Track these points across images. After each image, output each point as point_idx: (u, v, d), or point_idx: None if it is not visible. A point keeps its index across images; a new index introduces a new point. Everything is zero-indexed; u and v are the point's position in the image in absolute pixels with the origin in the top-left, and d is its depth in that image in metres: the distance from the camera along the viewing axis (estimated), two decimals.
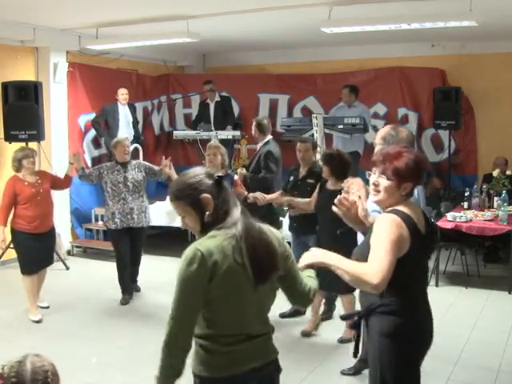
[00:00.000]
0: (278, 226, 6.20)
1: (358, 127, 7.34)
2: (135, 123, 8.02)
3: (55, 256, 6.35)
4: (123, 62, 8.41)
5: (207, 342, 1.94)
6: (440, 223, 5.89)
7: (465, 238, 6.08)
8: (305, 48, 8.46)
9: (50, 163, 7.00)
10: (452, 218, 5.96)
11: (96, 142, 7.98)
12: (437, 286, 5.95)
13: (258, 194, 5.04)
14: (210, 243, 1.90)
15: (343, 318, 4.27)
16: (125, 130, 7.72)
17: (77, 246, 7.67)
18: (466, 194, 6.66)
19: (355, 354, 2.52)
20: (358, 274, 2.09)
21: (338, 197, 2.51)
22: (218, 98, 8.50)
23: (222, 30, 7.12)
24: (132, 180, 5.56)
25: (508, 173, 6.99)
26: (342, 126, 7.37)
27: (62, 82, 7.29)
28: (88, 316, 5.27)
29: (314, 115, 7.23)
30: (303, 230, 4.90)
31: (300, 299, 2.20)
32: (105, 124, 7.80)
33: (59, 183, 5.44)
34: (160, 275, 6.10)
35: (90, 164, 7.75)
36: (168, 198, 2.12)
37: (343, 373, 3.99)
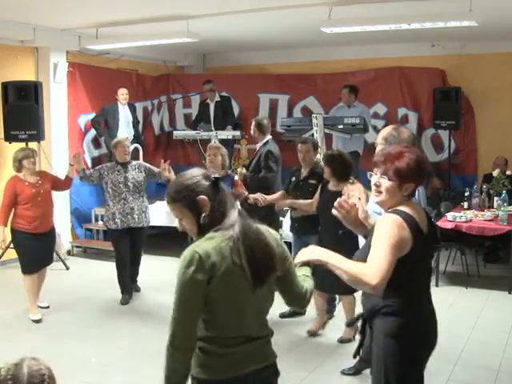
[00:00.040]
0: (278, 226, 6.21)
1: (358, 127, 7.34)
2: (135, 123, 8.03)
3: (55, 256, 6.36)
4: (123, 62, 8.41)
5: (205, 344, 1.93)
6: (440, 223, 5.89)
7: (465, 238, 6.09)
8: (305, 48, 8.46)
9: (50, 163, 7.00)
10: (452, 218, 5.96)
11: (96, 142, 7.98)
12: (437, 286, 5.95)
13: (259, 196, 5.04)
14: (207, 245, 1.90)
15: (349, 324, 4.32)
16: (125, 130, 7.73)
17: (77, 246, 7.68)
18: (466, 194, 6.66)
19: (356, 356, 2.51)
20: (356, 274, 2.08)
21: (338, 200, 2.50)
22: (217, 98, 8.50)
23: (222, 30, 7.12)
24: (133, 180, 5.57)
25: (508, 173, 6.99)
26: (342, 126, 7.37)
27: (61, 82, 7.29)
28: (88, 316, 5.27)
29: (314, 115, 7.22)
30: (305, 231, 4.89)
31: (297, 301, 2.19)
32: (105, 124, 7.80)
33: (60, 184, 5.45)
34: (160, 275, 6.10)
35: (90, 164, 7.75)
36: None
37: (343, 372, 4.00)
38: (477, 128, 8.00)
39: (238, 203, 5.36)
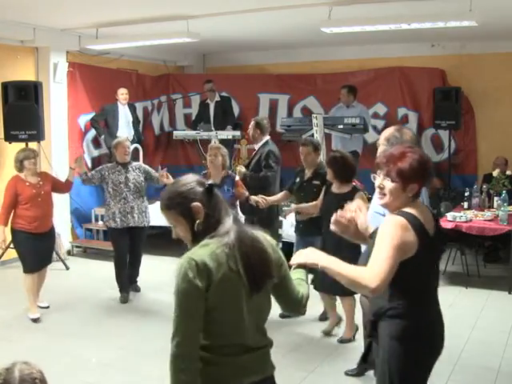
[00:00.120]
0: (279, 226, 6.22)
1: (358, 127, 7.34)
2: (135, 123, 8.02)
3: (55, 256, 6.37)
4: (123, 62, 8.41)
5: (204, 353, 1.89)
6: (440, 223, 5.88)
7: (465, 238, 6.08)
8: (305, 48, 8.45)
9: (50, 163, 7.00)
10: (452, 218, 5.96)
11: (96, 142, 7.98)
12: None
13: (260, 198, 5.04)
14: (202, 252, 1.87)
15: (342, 341, 4.44)
16: (125, 130, 7.73)
17: (77, 246, 7.68)
18: (466, 194, 6.66)
19: (364, 360, 2.47)
20: (355, 277, 2.06)
21: (334, 216, 2.48)
22: (217, 98, 8.51)
23: (222, 30, 7.12)
24: (133, 181, 5.60)
25: (508, 173, 6.99)
26: (341, 126, 7.37)
27: (61, 82, 7.29)
28: (88, 316, 5.27)
29: (314, 115, 7.23)
30: (310, 232, 4.87)
31: (293, 307, 2.16)
32: (104, 124, 7.81)
33: (60, 187, 5.45)
34: (160, 275, 6.08)
35: (89, 164, 7.75)
36: None
37: (347, 373, 3.97)
38: (477, 128, 8.00)
39: (237, 203, 5.40)
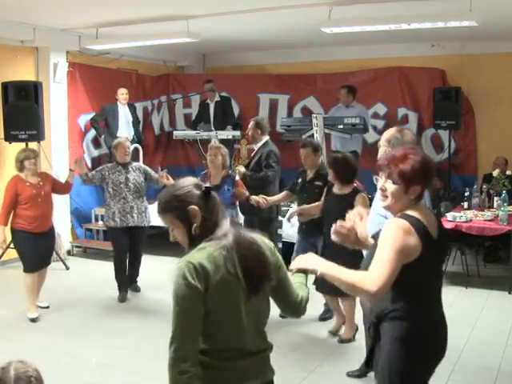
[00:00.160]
0: (278, 226, 6.22)
1: (358, 127, 7.34)
2: (136, 123, 8.02)
3: (55, 256, 6.37)
4: (123, 62, 8.41)
5: (203, 357, 1.88)
6: None
7: (465, 238, 6.08)
8: (305, 48, 8.45)
9: (50, 163, 7.00)
10: (452, 218, 5.96)
11: (96, 142, 7.98)
12: None
13: (261, 198, 5.04)
14: (200, 255, 1.86)
15: (342, 341, 4.38)
16: (125, 130, 7.73)
17: (77, 246, 7.68)
18: (466, 194, 6.66)
19: (368, 365, 2.45)
20: (355, 282, 2.05)
21: (334, 226, 2.49)
22: (217, 98, 8.51)
23: (222, 30, 7.12)
24: (134, 181, 5.62)
25: (508, 173, 6.99)
26: (342, 126, 7.37)
27: (61, 82, 7.29)
28: (88, 316, 5.27)
29: (314, 115, 7.23)
30: (312, 233, 4.88)
31: (292, 310, 2.15)
32: (105, 124, 7.80)
33: (59, 188, 5.45)
34: (160, 275, 6.06)
35: (89, 164, 7.75)
36: None
37: (349, 375, 3.95)
38: (477, 128, 8.00)
39: (237, 203, 5.39)
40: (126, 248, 5.75)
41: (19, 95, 6.35)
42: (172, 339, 1.81)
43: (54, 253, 6.07)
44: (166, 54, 8.85)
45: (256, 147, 5.69)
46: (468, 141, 8.04)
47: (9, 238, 5.24)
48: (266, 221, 5.55)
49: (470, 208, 6.49)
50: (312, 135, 7.15)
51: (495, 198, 6.48)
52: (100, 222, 7.50)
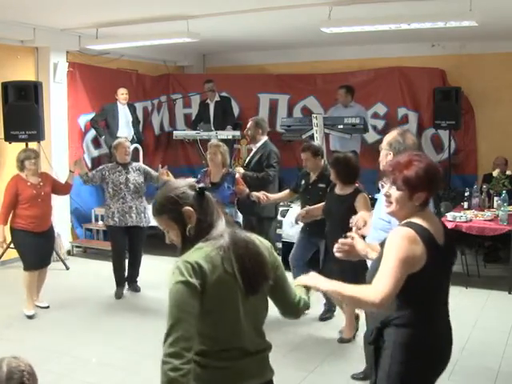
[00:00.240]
0: (278, 226, 6.22)
1: (358, 127, 7.34)
2: (136, 123, 8.02)
3: (55, 256, 6.38)
4: (123, 62, 8.41)
5: (201, 358, 1.87)
6: None
7: (465, 238, 6.07)
8: (305, 48, 8.45)
9: (50, 163, 7.01)
10: (452, 218, 5.96)
11: (96, 142, 7.98)
12: None
13: (261, 194, 5.05)
14: (197, 255, 1.85)
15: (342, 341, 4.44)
16: (125, 130, 7.73)
17: (77, 246, 7.68)
18: (466, 194, 6.65)
19: (376, 367, 2.43)
20: (359, 295, 2.05)
21: (336, 245, 2.52)
22: (217, 98, 8.50)
23: (222, 30, 7.12)
24: (133, 181, 5.64)
25: (508, 173, 6.99)
26: (341, 126, 7.36)
27: (61, 82, 7.29)
28: (88, 316, 5.27)
29: (314, 115, 7.22)
30: (315, 233, 4.89)
31: (290, 310, 2.14)
32: (104, 124, 7.80)
33: (60, 188, 5.46)
34: (160, 275, 6.07)
35: (89, 164, 7.75)
36: None
37: (353, 377, 3.92)
38: (477, 128, 7.99)
39: (235, 202, 5.38)
40: (125, 247, 5.77)
41: (19, 95, 6.35)
42: (166, 336, 1.77)
43: (54, 253, 6.08)
44: (165, 54, 8.85)
45: (255, 147, 5.70)
46: (468, 141, 8.04)
47: (8, 237, 5.24)
48: (264, 220, 5.56)
49: (470, 208, 6.49)
50: (312, 135, 7.15)
51: (495, 198, 6.48)
52: (100, 222, 7.50)
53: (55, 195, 5.54)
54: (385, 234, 2.58)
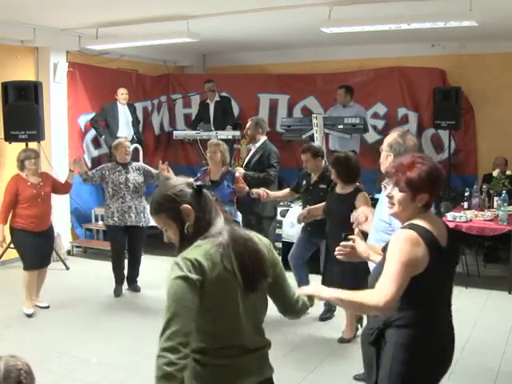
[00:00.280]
0: (277, 226, 6.22)
1: (357, 127, 7.34)
2: (135, 123, 8.02)
3: (55, 256, 6.38)
4: (123, 62, 8.41)
5: (201, 356, 1.87)
6: None
7: (465, 238, 6.07)
8: (305, 48, 8.45)
9: (50, 163, 7.01)
10: (452, 218, 5.96)
11: (96, 142, 7.98)
12: None
13: (261, 190, 5.07)
14: (196, 252, 1.85)
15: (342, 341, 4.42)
16: (125, 130, 7.73)
17: (77, 246, 7.68)
18: (466, 194, 6.65)
19: (377, 369, 2.43)
20: (362, 301, 2.05)
21: (337, 248, 2.54)
22: (217, 98, 8.51)
23: (222, 30, 7.12)
24: (133, 181, 5.65)
25: (508, 173, 6.99)
26: (341, 126, 7.37)
27: (61, 82, 7.29)
28: (88, 316, 5.27)
29: (314, 115, 7.22)
30: (316, 233, 4.89)
31: (289, 309, 2.13)
32: (104, 124, 7.80)
33: (59, 188, 5.47)
34: (160, 275, 6.07)
35: (89, 164, 7.75)
36: None
37: (356, 378, 3.91)
38: (477, 128, 7.99)
39: (235, 201, 5.39)
40: (124, 246, 5.79)
41: (19, 95, 6.35)
42: (163, 330, 1.76)
43: (54, 253, 6.08)
44: (166, 54, 8.85)
45: (254, 147, 5.70)
46: (468, 141, 8.03)
47: (8, 237, 5.25)
48: (264, 220, 5.56)
49: (469, 208, 6.49)
50: (312, 135, 7.15)
51: (495, 198, 6.48)
52: (100, 222, 7.50)
53: (55, 195, 5.55)
54: (386, 236, 2.59)
